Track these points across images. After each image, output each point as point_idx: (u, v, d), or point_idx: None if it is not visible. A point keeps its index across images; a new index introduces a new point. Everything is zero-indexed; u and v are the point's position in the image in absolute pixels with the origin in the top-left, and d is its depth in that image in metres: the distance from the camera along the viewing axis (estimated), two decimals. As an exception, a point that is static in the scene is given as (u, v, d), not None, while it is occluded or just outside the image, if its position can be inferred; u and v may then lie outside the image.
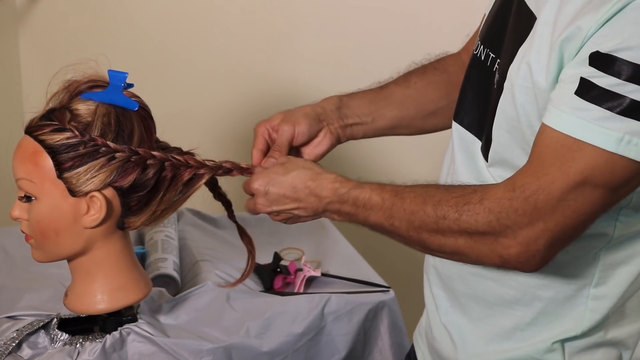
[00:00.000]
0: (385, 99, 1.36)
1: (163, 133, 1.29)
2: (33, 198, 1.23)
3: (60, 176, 1.21)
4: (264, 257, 1.63)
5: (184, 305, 1.45)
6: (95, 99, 1.22)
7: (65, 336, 1.33)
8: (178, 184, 1.25)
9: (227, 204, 1.34)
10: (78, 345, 1.32)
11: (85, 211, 1.23)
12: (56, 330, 1.34)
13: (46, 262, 1.30)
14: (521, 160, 1.06)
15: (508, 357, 1.19)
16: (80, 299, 1.30)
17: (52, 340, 1.34)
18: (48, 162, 1.20)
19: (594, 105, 0.96)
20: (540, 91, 1.03)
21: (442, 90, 1.37)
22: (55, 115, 1.21)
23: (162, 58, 2.46)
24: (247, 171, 1.27)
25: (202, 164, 1.26)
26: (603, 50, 0.95)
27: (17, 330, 1.35)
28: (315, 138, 1.33)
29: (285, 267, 1.63)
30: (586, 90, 0.97)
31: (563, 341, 1.16)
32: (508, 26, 1.13)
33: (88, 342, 1.32)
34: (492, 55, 1.16)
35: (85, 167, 1.20)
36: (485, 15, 1.25)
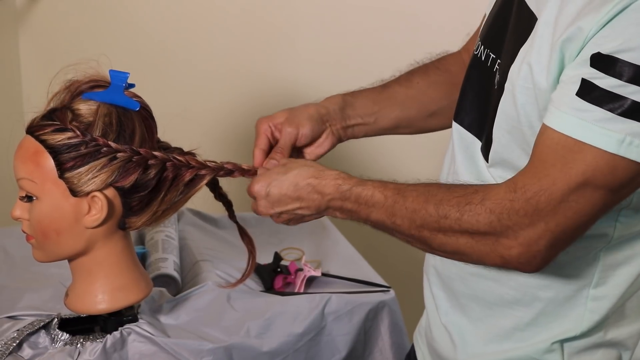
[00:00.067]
0: (388, 99, 1.36)
1: (164, 133, 1.29)
2: (34, 198, 1.23)
3: (61, 176, 1.21)
4: (265, 257, 1.63)
5: (185, 305, 1.45)
6: (97, 99, 1.22)
7: (65, 336, 1.33)
8: (179, 185, 1.25)
9: (228, 204, 1.34)
10: (79, 345, 1.32)
11: (87, 211, 1.23)
12: (57, 330, 1.34)
13: (47, 262, 1.30)
14: (521, 160, 1.06)
15: (507, 357, 1.19)
16: (81, 299, 1.31)
17: (53, 340, 1.34)
18: (49, 162, 1.20)
19: (595, 106, 0.96)
20: (540, 92, 1.03)
21: (444, 91, 1.37)
22: (57, 115, 1.21)
23: (162, 58, 2.46)
24: (248, 173, 1.27)
25: (203, 165, 1.25)
26: (604, 51, 0.95)
27: (18, 330, 1.35)
28: (318, 139, 1.33)
29: (286, 267, 1.63)
30: (587, 91, 0.97)
31: (562, 341, 1.16)
32: (509, 27, 1.13)
33: (89, 342, 1.32)
34: (492, 55, 1.16)
35: (86, 167, 1.20)
36: (485, 15, 1.25)
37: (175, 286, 1.56)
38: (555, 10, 1.02)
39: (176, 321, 1.41)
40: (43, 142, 1.21)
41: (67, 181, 1.21)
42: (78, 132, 1.19)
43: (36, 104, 1.25)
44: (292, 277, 1.61)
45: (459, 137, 1.22)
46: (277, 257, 1.65)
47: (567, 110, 0.98)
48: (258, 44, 2.39)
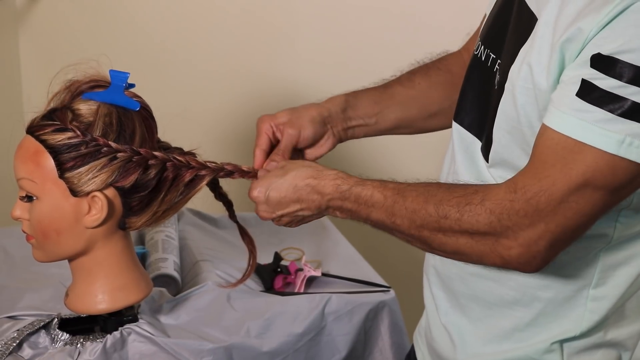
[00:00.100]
0: (389, 100, 1.36)
1: (164, 133, 1.29)
2: (34, 198, 1.23)
3: (61, 176, 1.21)
4: (265, 257, 1.63)
5: (185, 305, 1.45)
6: (97, 99, 1.22)
7: (66, 336, 1.33)
8: (179, 185, 1.25)
9: (228, 204, 1.34)
10: (79, 345, 1.32)
11: (87, 211, 1.23)
12: (57, 330, 1.34)
13: (47, 262, 1.30)
14: (521, 161, 1.06)
15: (507, 358, 1.19)
16: (81, 299, 1.31)
17: (53, 340, 1.34)
18: (49, 162, 1.20)
19: (595, 107, 0.96)
20: (541, 92, 1.03)
21: (445, 91, 1.36)
22: (57, 115, 1.21)
23: (162, 58, 2.46)
24: (248, 174, 1.27)
25: (203, 166, 1.25)
26: (604, 52, 0.96)
27: (18, 330, 1.35)
28: (319, 141, 1.33)
29: (286, 267, 1.63)
30: (587, 92, 0.97)
31: (562, 342, 1.16)
32: (509, 27, 1.13)
33: (89, 342, 1.32)
34: (492, 55, 1.16)
35: (86, 167, 1.20)
36: (485, 15, 1.25)
37: (175, 286, 1.56)
38: (556, 11, 1.02)
39: (176, 321, 1.41)
40: (43, 142, 1.21)
41: (67, 181, 1.21)
42: (78, 132, 1.19)
43: (36, 104, 1.25)
44: (292, 277, 1.61)
45: (459, 137, 1.22)
46: (277, 257, 1.65)
47: (567, 110, 0.98)
48: (258, 44, 2.39)
